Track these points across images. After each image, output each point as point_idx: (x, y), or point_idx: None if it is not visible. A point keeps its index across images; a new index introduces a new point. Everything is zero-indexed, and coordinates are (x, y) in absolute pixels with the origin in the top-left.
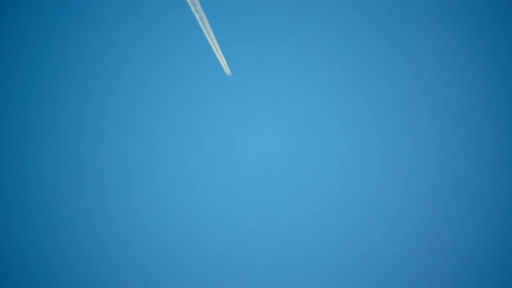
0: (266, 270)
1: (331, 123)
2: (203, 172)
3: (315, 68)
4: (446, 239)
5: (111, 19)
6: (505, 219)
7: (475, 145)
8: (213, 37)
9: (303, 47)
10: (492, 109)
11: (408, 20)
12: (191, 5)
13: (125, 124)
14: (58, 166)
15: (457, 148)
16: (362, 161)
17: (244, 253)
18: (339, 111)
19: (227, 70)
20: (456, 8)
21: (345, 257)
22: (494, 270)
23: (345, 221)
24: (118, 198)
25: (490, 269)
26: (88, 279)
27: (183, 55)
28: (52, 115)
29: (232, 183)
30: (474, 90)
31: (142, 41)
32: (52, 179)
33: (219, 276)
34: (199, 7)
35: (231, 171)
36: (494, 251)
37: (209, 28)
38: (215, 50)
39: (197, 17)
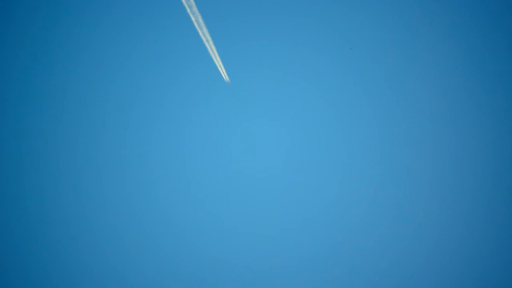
0: (266, 270)
1: (331, 124)
2: (201, 175)
3: (314, 69)
4: (445, 239)
5: (105, 22)
6: (504, 219)
7: (474, 146)
8: (209, 38)
9: (302, 47)
10: (491, 110)
11: (407, 20)
12: (186, 6)
13: (121, 126)
14: (55, 167)
15: (457, 148)
16: (362, 162)
17: (243, 254)
18: (339, 112)
19: (223, 72)
20: (456, 8)
21: (344, 256)
22: (493, 270)
23: (345, 221)
24: (116, 200)
25: (489, 269)
26: (86, 280)
27: (178, 57)
28: (50, 117)
29: (232, 183)
30: (473, 90)
31: (136, 42)
32: (49, 180)
33: (217, 277)
34: (195, 8)
35: (228, 172)
36: (493, 251)
37: (205, 30)
38: (210, 51)
39: (193, 19)
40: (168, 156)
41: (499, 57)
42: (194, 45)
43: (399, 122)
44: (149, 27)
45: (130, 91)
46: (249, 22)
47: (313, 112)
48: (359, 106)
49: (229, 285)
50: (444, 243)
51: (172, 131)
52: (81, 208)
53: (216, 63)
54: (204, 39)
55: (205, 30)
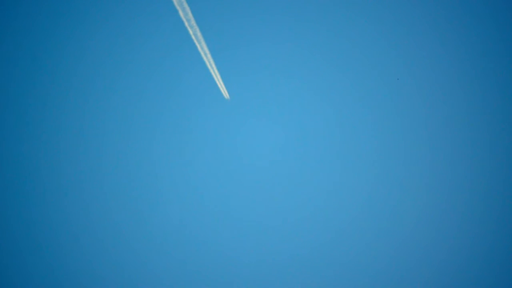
0: (265, 269)
1: (329, 125)
2: (201, 175)
3: (313, 71)
4: (444, 238)
5: (101, 35)
6: (504, 220)
7: (473, 146)
8: (207, 52)
9: (300, 50)
10: (489, 110)
11: (404, 21)
12: (184, 20)
13: (122, 130)
14: (58, 167)
15: (454, 149)
16: (361, 162)
17: (242, 252)
18: (337, 112)
19: (222, 87)
20: (454, 9)
21: (344, 255)
22: (491, 270)
23: (344, 221)
24: (116, 200)
25: (487, 269)
26: (88, 278)
27: (176, 69)
28: (51, 117)
29: (231, 183)
30: (472, 90)
31: (134, 55)
32: (52, 180)
33: (219, 274)
34: (193, 22)
35: (228, 172)
36: (492, 251)
37: (203, 43)
38: (208, 65)
39: (191, 32)
40: (168, 156)
41: (498, 57)
42: (192, 58)
43: (395, 121)
44: (146, 38)
45: (128, 107)
46: (246, 32)
47: (312, 113)
48: (357, 106)
49: (229, 281)
50: (443, 243)
51: (173, 132)
52: (82, 208)
53: (213, 74)
54: (202, 53)
55: (203, 43)
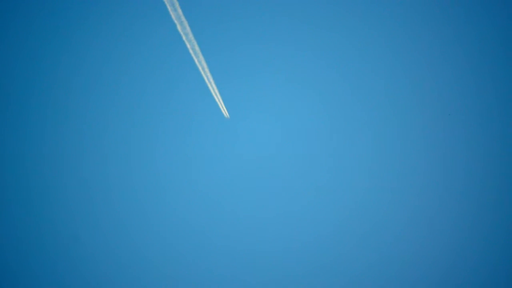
0: (265, 268)
1: (327, 125)
2: (201, 176)
3: (312, 75)
4: (442, 238)
5: (98, 47)
6: (503, 219)
7: (472, 146)
8: (205, 66)
9: (298, 52)
10: (488, 111)
11: (402, 22)
12: (182, 34)
13: (124, 130)
14: (58, 168)
15: (452, 149)
16: (361, 163)
17: (242, 251)
18: (334, 113)
19: (219, 100)
20: (453, 10)
21: (344, 255)
22: (487, 269)
23: (344, 220)
24: (117, 200)
25: (483, 268)
26: (87, 279)
27: (174, 85)
28: (52, 118)
29: (231, 184)
30: (470, 91)
31: (132, 68)
32: (55, 181)
33: (220, 274)
34: (191, 36)
35: (228, 172)
36: (491, 251)
37: (201, 57)
38: (206, 79)
39: (189, 46)
40: (169, 156)
41: (494, 59)
42: (190, 73)
43: (393, 121)
44: (143, 53)
45: (127, 117)
46: (244, 47)
47: (311, 113)
48: (357, 106)
49: (229, 280)
50: (438, 239)
51: (173, 132)
52: (83, 208)
53: (211, 89)
54: (199, 67)
55: (201, 57)
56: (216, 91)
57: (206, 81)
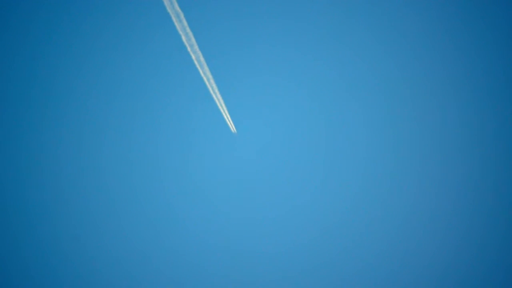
0: (265, 268)
1: (326, 126)
2: (201, 176)
3: (312, 77)
4: (441, 238)
5: (97, 57)
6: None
7: (469, 145)
8: (210, 76)
9: (297, 53)
10: (486, 110)
11: (401, 22)
12: (187, 45)
13: (124, 129)
14: (59, 168)
15: (449, 149)
16: (361, 163)
17: (242, 251)
18: (333, 114)
19: (224, 112)
20: (452, 10)
21: (343, 255)
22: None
23: (343, 220)
24: (117, 200)
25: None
26: (87, 279)
27: (178, 94)
28: (52, 118)
29: (231, 184)
30: (469, 91)
31: (136, 78)
32: (55, 180)
33: (220, 274)
34: (196, 47)
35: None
36: (488, 249)
37: (206, 68)
38: (210, 89)
39: (193, 57)
40: (170, 156)
41: (496, 58)
42: (194, 82)
43: (391, 120)
44: (148, 64)
45: (130, 125)
46: (248, 56)
47: (312, 113)
48: (357, 107)
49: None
50: (436, 239)
51: (173, 133)
52: (83, 208)
53: (216, 100)
54: (204, 77)
55: (206, 68)
56: (222, 104)
57: (211, 91)
